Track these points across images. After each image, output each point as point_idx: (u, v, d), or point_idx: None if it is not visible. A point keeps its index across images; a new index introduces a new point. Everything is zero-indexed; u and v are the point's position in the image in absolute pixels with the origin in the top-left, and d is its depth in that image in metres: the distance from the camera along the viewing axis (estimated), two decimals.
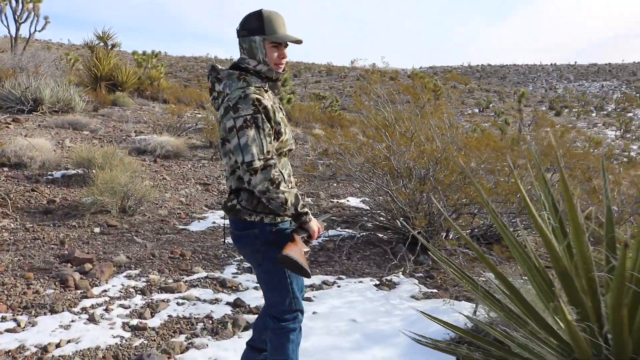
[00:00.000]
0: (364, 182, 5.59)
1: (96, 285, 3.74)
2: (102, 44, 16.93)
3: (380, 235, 5.72)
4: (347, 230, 5.78)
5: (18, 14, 17.35)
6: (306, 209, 2.23)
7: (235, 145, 2.09)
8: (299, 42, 2.27)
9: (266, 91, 2.24)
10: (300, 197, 2.20)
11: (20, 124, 9.86)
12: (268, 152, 2.09)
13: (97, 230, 4.79)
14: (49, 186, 5.92)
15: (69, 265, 3.95)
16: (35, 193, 5.58)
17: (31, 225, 4.75)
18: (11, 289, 3.50)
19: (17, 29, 17.55)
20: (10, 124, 9.76)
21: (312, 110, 23.26)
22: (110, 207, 5.14)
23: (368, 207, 6.99)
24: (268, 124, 2.11)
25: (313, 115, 21.81)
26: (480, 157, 5.07)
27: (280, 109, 2.36)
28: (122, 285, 3.77)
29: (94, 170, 6.22)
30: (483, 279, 3.42)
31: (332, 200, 7.26)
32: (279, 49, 2.24)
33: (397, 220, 5.50)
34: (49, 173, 6.41)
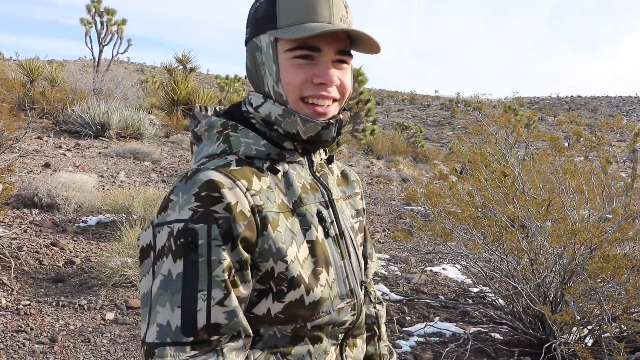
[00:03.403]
0: (487, 265, 4.03)
1: None
2: (181, 67, 16.39)
3: (493, 334, 4.13)
4: (448, 325, 4.21)
5: (102, 36, 17.25)
6: None
7: (141, 296, 0.88)
8: (367, 40, 0.97)
9: (275, 172, 0.99)
10: None
11: (80, 150, 9.11)
12: (215, 327, 0.84)
13: (109, 316, 3.53)
14: (75, 238, 4.81)
15: None
16: (54, 249, 4.46)
17: (28, 302, 3.58)
18: None
19: (101, 51, 17.45)
20: (70, 150, 9.03)
21: (396, 142, 21.83)
22: (135, 280, 3.90)
23: (471, 281, 5.41)
24: (229, 256, 0.86)
25: (397, 147, 20.41)
26: None
27: (325, 220, 1.02)
28: None
29: (134, 216, 5.09)
30: None
31: (424, 268, 5.71)
32: (313, 63, 0.96)
33: (524, 322, 3.88)
34: (82, 219, 5.34)
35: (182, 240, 0.84)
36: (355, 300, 1.05)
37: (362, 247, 1.18)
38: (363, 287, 1.11)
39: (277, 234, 0.92)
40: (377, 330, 1.29)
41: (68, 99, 11.64)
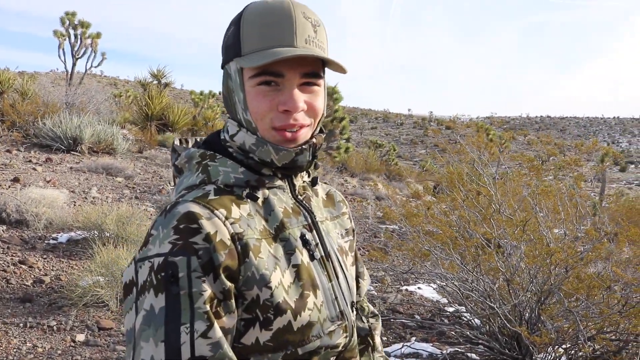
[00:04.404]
0: (463, 285, 4.04)
1: None
2: (155, 81, 16.26)
3: (470, 355, 4.13)
4: (425, 346, 4.20)
5: (76, 49, 17.03)
6: None
7: (126, 332, 0.87)
8: (331, 64, 0.97)
9: (254, 198, 0.99)
10: None
11: (51, 165, 8.92)
12: None
13: (80, 337, 3.42)
14: (45, 256, 4.67)
15: None
16: (22, 268, 4.32)
17: None
18: None
19: (74, 64, 17.21)
20: (40, 164, 8.83)
21: (370, 159, 21.97)
22: (107, 299, 3.80)
23: (447, 300, 5.42)
24: (211, 287, 0.85)
25: (370, 165, 20.55)
26: None
27: (309, 243, 1.02)
28: None
29: (106, 233, 4.97)
30: None
31: (400, 288, 5.71)
32: (278, 89, 0.95)
33: (500, 342, 3.89)
34: (53, 236, 5.20)
35: (162, 274, 0.83)
36: (347, 322, 1.04)
37: (353, 266, 1.17)
38: (354, 308, 1.10)
39: (260, 260, 0.91)
40: (371, 341, 1.28)
41: (39, 112, 11.42)
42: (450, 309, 5.19)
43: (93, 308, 3.81)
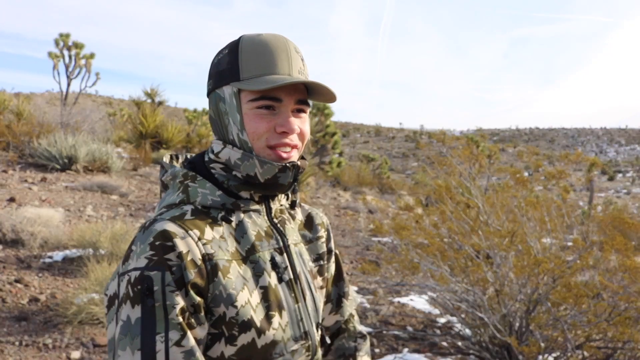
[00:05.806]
0: (455, 297, 4.10)
1: None
2: (149, 100, 16.37)
3: None
4: (417, 357, 4.25)
5: (70, 69, 17.12)
6: None
7: (108, 342, 0.95)
8: (324, 90, 1.05)
9: (228, 221, 1.05)
10: None
11: (46, 184, 8.97)
12: None
13: (75, 355, 3.46)
14: (40, 274, 4.72)
15: None
16: (18, 286, 4.37)
17: None
18: None
19: (69, 85, 17.29)
20: (36, 184, 8.88)
21: (362, 173, 22.04)
22: (102, 316, 3.85)
23: (439, 312, 5.48)
24: (183, 301, 0.92)
25: (363, 179, 20.61)
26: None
27: (279, 266, 1.08)
28: None
29: (101, 251, 5.02)
30: None
31: (392, 300, 5.77)
32: (274, 112, 1.03)
33: (491, 352, 3.95)
34: (48, 254, 5.24)
35: (138, 287, 0.90)
36: (310, 342, 1.10)
37: (323, 289, 1.24)
38: (319, 328, 1.16)
39: (228, 280, 0.98)
40: None
41: (35, 132, 11.49)
42: (442, 320, 5.25)
43: (88, 325, 3.85)
